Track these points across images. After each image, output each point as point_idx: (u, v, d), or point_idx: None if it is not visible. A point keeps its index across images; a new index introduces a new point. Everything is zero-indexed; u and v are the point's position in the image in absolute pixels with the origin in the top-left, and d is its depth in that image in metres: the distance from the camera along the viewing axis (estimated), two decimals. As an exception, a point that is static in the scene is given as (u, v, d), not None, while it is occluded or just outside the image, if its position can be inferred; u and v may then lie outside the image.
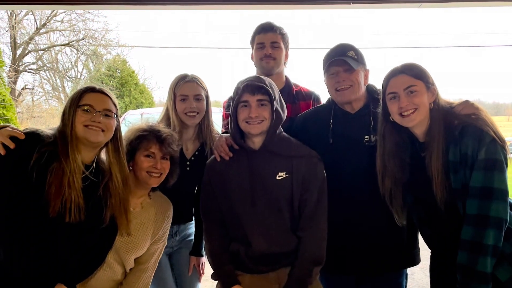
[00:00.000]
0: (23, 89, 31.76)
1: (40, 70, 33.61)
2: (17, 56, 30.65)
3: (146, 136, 3.51)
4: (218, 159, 3.55)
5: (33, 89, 33.87)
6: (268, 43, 4.29)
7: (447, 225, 3.24)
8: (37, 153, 2.92)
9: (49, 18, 31.85)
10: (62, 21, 32.16)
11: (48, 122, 28.47)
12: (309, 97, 4.42)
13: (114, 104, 3.20)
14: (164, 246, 3.78)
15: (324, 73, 3.75)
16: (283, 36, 4.36)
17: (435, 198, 3.15)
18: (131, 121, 11.31)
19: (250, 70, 4.49)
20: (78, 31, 32.17)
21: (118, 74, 31.70)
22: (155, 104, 32.55)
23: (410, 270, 3.94)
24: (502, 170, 2.96)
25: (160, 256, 3.77)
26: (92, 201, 3.14)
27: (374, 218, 3.62)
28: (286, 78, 4.48)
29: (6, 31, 29.82)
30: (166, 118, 4.08)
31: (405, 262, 3.78)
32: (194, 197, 4.18)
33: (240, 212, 3.43)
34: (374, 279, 3.78)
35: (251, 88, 3.36)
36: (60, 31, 32.31)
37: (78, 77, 34.79)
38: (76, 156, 3.03)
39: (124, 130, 3.52)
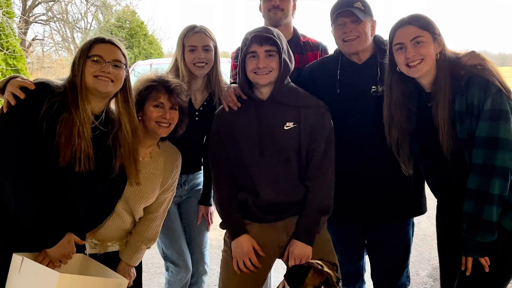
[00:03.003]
0: (33, 40, 31.65)
1: (50, 21, 33.40)
2: (27, 7, 30.42)
3: (155, 86, 3.51)
4: (227, 109, 3.57)
5: (43, 40, 33.81)
6: None
7: (453, 174, 3.26)
8: (47, 103, 2.92)
9: (59, -31, 31.60)
10: (72, -28, 31.92)
11: (58, 73, 28.38)
12: (316, 47, 4.40)
13: (124, 55, 3.19)
14: (173, 196, 3.82)
15: (331, 24, 3.74)
16: None
17: (442, 148, 3.16)
18: (140, 71, 11.34)
19: (258, 21, 4.46)
20: (88, -18, 31.93)
21: (128, 25, 31.50)
22: (164, 55, 32.36)
23: (416, 219, 3.99)
24: (507, 120, 2.96)
25: (169, 205, 3.81)
26: (101, 151, 3.16)
27: (381, 167, 3.65)
28: (294, 29, 4.45)
29: (17, -19, 29.63)
30: (175, 68, 4.08)
31: (412, 211, 3.83)
32: (202, 147, 4.21)
33: (248, 161, 3.47)
34: (381, 228, 3.84)
35: (259, 38, 3.36)
36: (70, -19, 32.07)
37: (88, 28, 34.66)
38: (85, 106, 3.03)
39: (133, 80, 3.51)
